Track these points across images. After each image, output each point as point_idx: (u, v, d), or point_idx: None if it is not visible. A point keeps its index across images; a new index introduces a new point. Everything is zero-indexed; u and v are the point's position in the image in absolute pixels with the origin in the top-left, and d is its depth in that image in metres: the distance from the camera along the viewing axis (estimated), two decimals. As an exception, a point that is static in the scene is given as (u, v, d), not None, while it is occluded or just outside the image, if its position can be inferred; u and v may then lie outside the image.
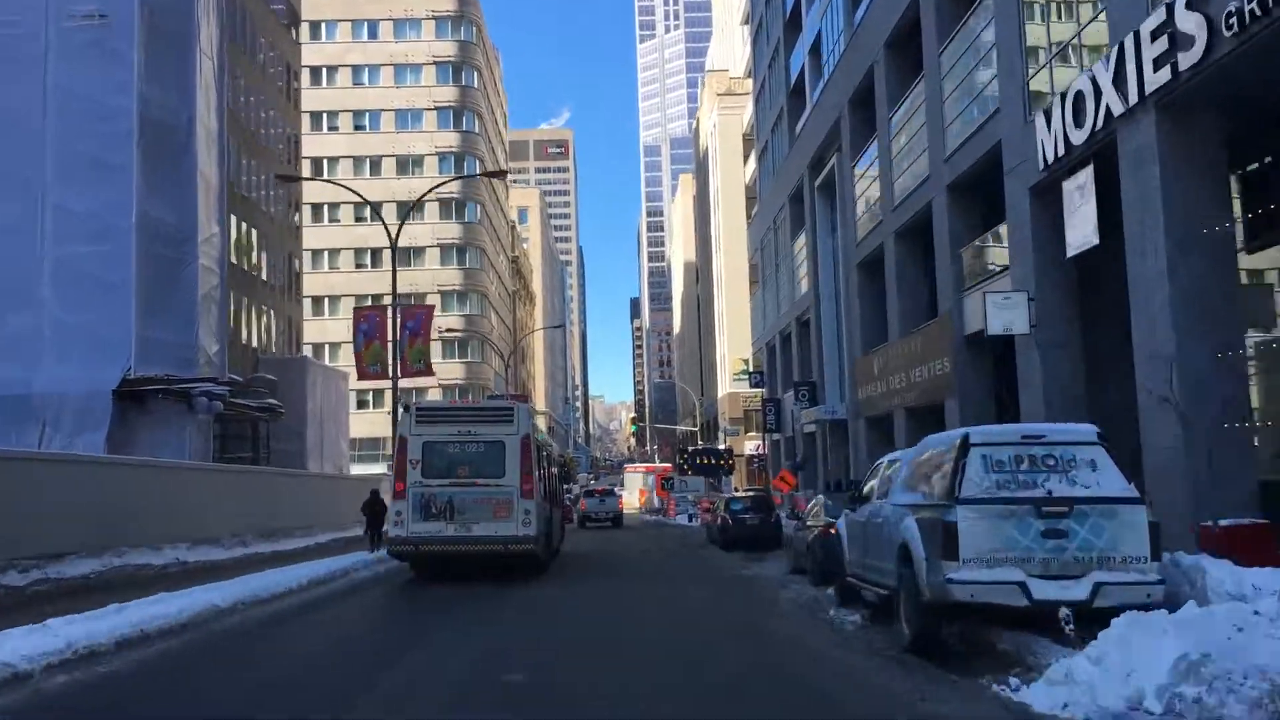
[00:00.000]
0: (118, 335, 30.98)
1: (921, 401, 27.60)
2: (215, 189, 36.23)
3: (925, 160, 26.91)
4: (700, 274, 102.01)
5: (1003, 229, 21.96)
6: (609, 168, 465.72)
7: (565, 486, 39.36)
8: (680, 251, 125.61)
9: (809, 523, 18.48)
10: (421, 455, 18.14)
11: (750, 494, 34.43)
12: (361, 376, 31.13)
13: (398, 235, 28.05)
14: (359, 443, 76.05)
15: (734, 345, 79.10)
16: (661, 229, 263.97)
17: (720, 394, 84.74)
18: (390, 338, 27.52)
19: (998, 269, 22.78)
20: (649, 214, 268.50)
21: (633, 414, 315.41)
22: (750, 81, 67.28)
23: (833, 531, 14.25)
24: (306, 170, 70.85)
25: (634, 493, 79.00)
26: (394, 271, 28.17)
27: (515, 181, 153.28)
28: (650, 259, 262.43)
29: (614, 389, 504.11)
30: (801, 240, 44.74)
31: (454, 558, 18.37)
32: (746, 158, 75.40)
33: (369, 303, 77.25)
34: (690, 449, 57.18)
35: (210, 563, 23.68)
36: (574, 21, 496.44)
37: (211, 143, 36.03)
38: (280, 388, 43.38)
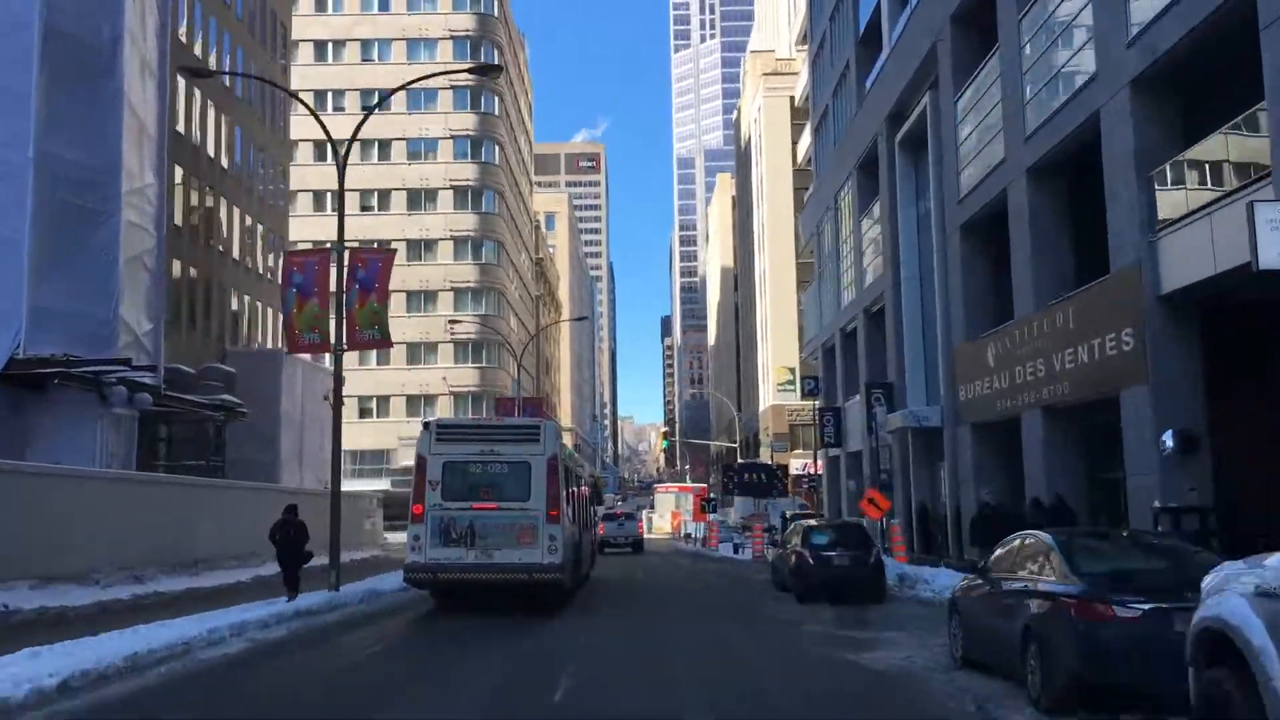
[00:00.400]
0: (6, 303, 23.82)
1: (1076, 396, 19.78)
2: (152, 132, 29.05)
3: (1086, 57, 19.20)
4: (739, 279, 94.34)
5: (1259, 115, 14.14)
6: (641, 183, 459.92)
7: (595, 509, 35.83)
8: (716, 258, 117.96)
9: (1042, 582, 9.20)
10: (441, 476, 16.82)
11: (838, 523, 26.27)
12: (293, 348, 23.41)
13: (345, 156, 20.41)
14: (360, 455, 69.05)
15: (778, 353, 71.29)
16: (694, 243, 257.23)
17: (762, 407, 76.85)
18: (339, 288, 20.02)
19: (1228, 188, 14.97)
20: (682, 228, 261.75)
21: (663, 432, 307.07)
22: (801, 55, 59.74)
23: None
24: (307, 154, 64.05)
25: (665, 516, 71.24)
26: (341, 209, 20.70)
27: (542, 186, 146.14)
28: (683, 274, 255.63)
29: (644, 410, 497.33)
30: (874, 216, 36.95)
31: (474, 587, 16.99)
32: (796, 141, 67.77)
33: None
34: (737, 464, 48.52)
35: (61, 611, 16.26)
36: (606, 32, 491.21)
37: (148, 73, 28.87)
38: (248, 384, 36.14)
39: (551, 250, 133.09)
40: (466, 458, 16.94)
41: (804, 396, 50.84)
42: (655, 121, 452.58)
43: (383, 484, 68.64)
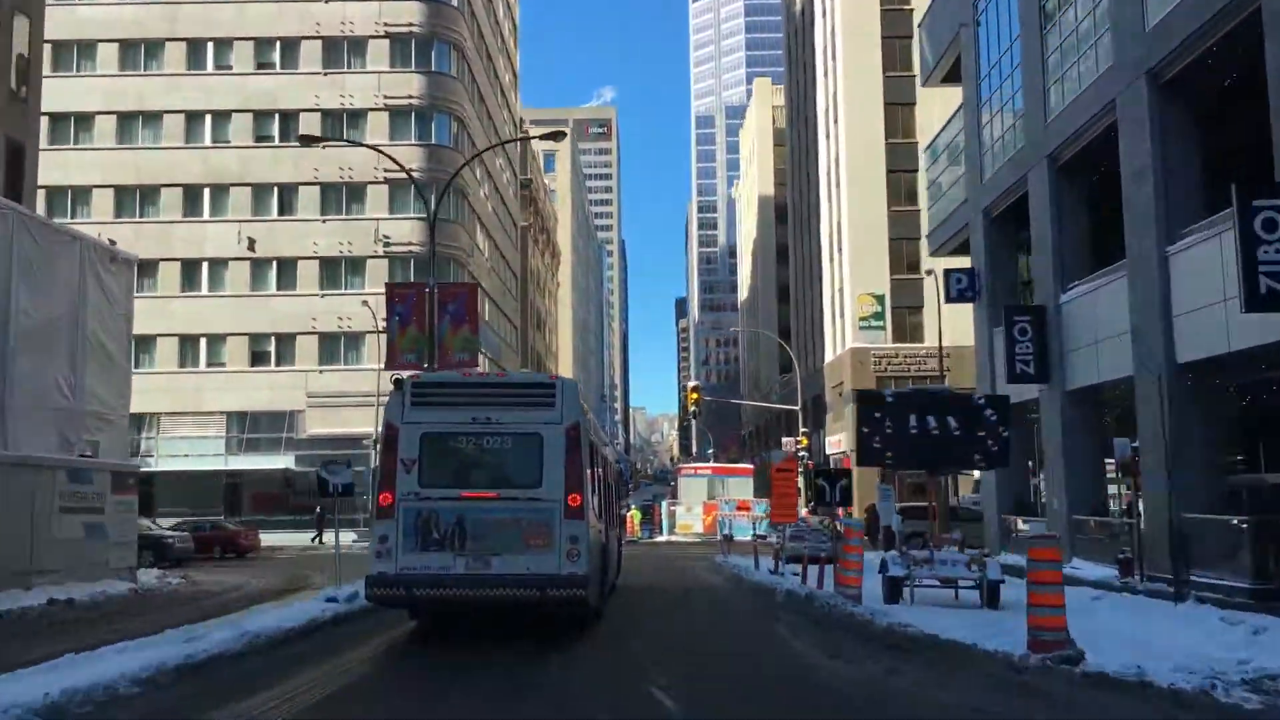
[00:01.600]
0: None
1: None
2: None
3: None
4: (791, 201, 71.95)
5: None
6: (653, 155, 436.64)
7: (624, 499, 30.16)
8: (753, 186, 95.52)
9: None
10: (420, 452, 12.35)
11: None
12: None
13: None
14: (251, 420, 47.60)
15: (861, 277, 49.01)
16: (714, 209, 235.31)
17: (830, 357, 54.56)
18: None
19: None
20: (700, 193, 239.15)
21: (693, 387, 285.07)
22: None
23: None
24: None
25: (693, 509, 49.32)
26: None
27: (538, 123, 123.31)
28: (702, 244, 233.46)
29: (656, 402, 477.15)
30: None
31: (464, 607, 12.73)
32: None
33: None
34: (896, 392, 23.36)
35: None
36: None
37: None
38: None
39: (552, 192, 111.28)
40: (455, 427, 12.47)
41: (951, 299, 28.68)
42: (669, 90, 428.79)
43: (284, 460, 47.13)
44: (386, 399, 13.10)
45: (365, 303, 43.52)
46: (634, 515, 47.98)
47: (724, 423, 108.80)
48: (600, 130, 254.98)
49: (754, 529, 48.03)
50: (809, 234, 62.25)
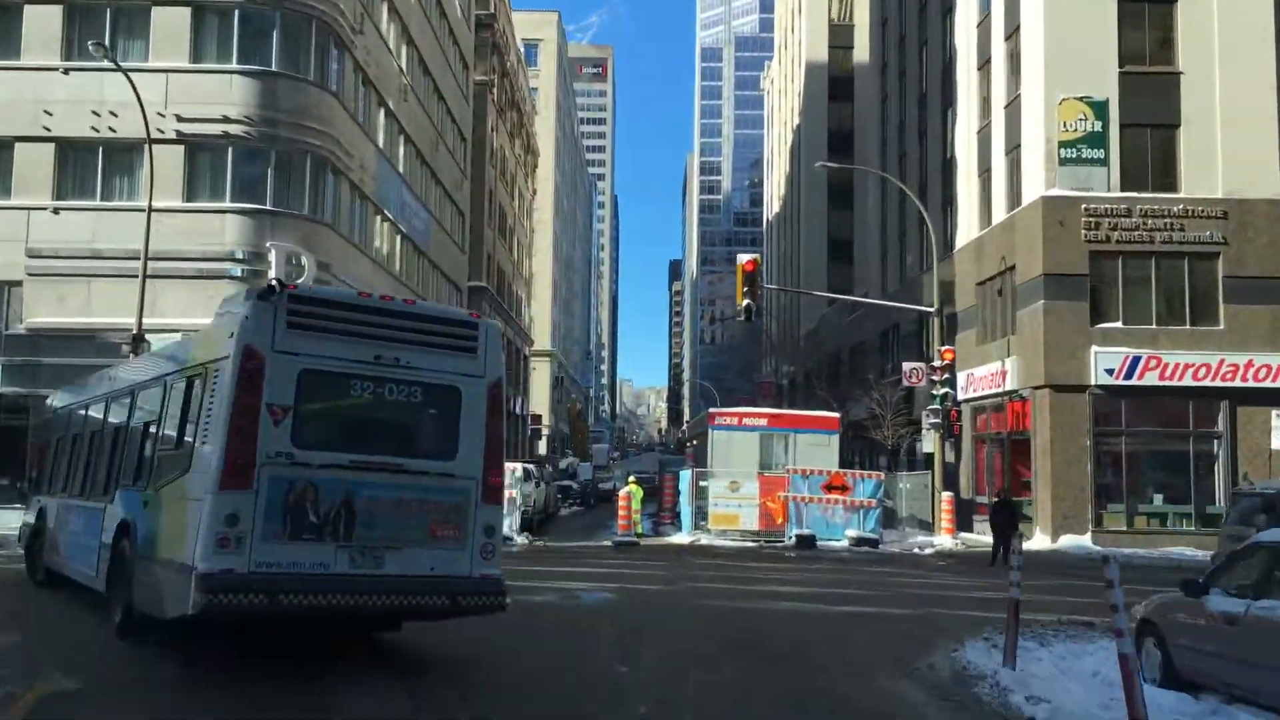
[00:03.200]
0: None
1: None
2: None
3: None
4: (882, 36, 49.49)
5: None
6: (652, 105, 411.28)
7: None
8: (795, 61, 72.34)
9: None
10: (296, 398, 8.44)
11: None
12: None
13: None
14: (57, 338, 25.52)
15: (1059, 75, 26.63)
16: (718, 152, 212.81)
17: (967, 238, 32.31)
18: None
19: None
20: (704, 134, 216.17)
21: (663, 401, 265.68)
22: None
23: None
24: None
25: (740, 487, 27.27)
26: None
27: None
28: (703, 190, 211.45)
29: (643, 375, 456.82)
30: None
31: (347, 619, 9.24)
32: None
33: None
34: None
35: None
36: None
37: None
38: None
39: (533, 90, 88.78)
40: (349, 367, 8.68)
41: None
42: (670, 23, 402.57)
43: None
44: (230, 307, 8.69)
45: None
46: (632, 492, 26.26)
47: (735, 374, 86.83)
48: (595, 71, 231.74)
49: (861, 525, 26.55)
50: (911, 69, 40.00)
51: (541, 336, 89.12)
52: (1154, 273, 26.14)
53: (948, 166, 35.14)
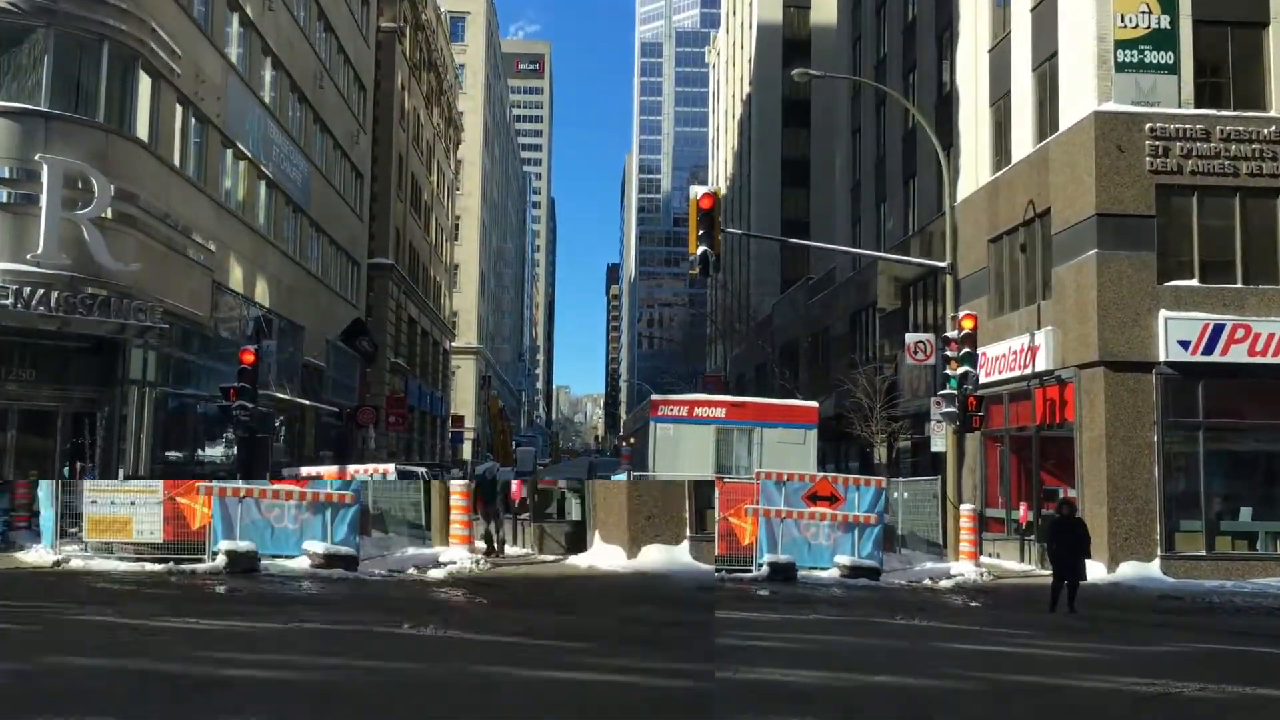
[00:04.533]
0: None
1: None
2: None
3: None
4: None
5: None
6: (589, 102, 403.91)
7: None
8: (745, 26, 65.76)
9: None
10: None
11: None
12: None
13: None
14: None
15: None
16: (658, 150, 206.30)
17: (975, 185, 25.83)
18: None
19: None
20: (643, 131, 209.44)
21: (600, 409, 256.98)
22: None
23: None
24: None
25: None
26: None
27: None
28: (642, 189, 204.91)
29: (580, 383, 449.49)
30: None
31: None
32: None
33: None
34: None
35: None
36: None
37: None
38: None
39: (460, 68, 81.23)
40: None
41: None
42: (606, 23, 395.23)
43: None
44: None
45: None
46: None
47: (676, 377, 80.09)
48: (532, 67, 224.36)
49: (855, 548, 19.93)
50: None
51: (467, 332, 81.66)
52: (1239, 214, 19.86)
53: (945, 104, 28.67)
